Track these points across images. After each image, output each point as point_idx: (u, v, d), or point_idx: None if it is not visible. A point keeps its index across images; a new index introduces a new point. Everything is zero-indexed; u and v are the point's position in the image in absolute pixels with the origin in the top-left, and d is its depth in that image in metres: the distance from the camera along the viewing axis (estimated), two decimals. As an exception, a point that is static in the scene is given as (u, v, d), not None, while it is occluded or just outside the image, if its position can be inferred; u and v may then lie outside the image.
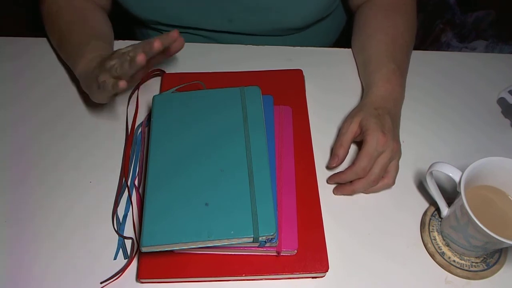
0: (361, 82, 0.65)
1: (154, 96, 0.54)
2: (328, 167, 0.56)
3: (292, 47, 0.70)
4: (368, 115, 0.53)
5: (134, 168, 0.56)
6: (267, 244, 0.45)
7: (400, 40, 0.62)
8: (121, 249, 0.50)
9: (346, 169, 0.52)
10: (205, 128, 0.50)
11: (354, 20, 0.69)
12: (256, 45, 0.69)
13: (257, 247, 0.45)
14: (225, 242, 0.43)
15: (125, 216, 0.52)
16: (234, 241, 0.43)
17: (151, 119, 0.52)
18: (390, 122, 0.53)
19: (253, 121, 0.51)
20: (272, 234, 0.43)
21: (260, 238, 0.43)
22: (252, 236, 0.43)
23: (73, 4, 0.64)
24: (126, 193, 0.54)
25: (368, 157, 0.50)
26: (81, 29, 0.61)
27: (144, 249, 0.42)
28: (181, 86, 0.61)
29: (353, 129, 0.53)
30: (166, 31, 0.72)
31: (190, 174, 0.46)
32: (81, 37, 0.60)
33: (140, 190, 0.54)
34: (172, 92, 0.59)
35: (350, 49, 0.70)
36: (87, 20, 0.63)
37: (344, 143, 0.53)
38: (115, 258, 0.49)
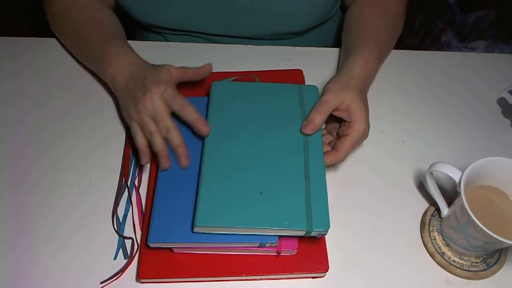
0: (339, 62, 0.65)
1: (212, 83, 0.55)
2: (301, 131, 0.50)
3: (292, 47, 0.70)
4: (356, 97, 0.50)
5: (134, 168, 0.56)
6: (281, 249, 0.45)
7: (382, 28, 0.61)
8: (121, 249, 0.50)
9: (333, 152, 0.50)
10: (263, 120, 0.51)
11: (344, 21, 0.69)
12: (256, 45, 0.69)
13: (257, 247, 0.45)
14: (277, 232, 0.43)
15: (125, 216, 0.52)
16: (285, 232, 0.43)
17: (209, 105, 0.52)
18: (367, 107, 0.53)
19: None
20: (325, 230, 0.43)
21: (312, 233, 0.43)
22: (306, 229, 0.43)
23: (80, 3, 0.63)
24: (126, 193, 0.54)
25: (354, 144, 0.50)
26: (96, 31, 0.60)
27: (196, 229, 0.43)
28: (235, 78, 0.61)
29: (337, 102, 0.50)
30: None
31: (246, 163, 0.47)
32: (97, 38, 0.59)
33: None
34: (231, 81, 0.58)
35: (350, 49, 0.70)
36: (101, 20, 0.63)
37: (324, 112, 0.50)
38: (115, 258, 0.49)
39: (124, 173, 0.55)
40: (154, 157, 0.54)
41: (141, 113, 0.50)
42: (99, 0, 0.65)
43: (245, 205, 0.44)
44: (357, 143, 0.50)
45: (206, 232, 0.44)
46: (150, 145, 0.50)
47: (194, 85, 0.58)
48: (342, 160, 0.49)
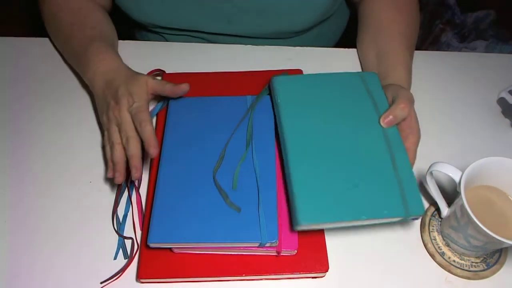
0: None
1: (273, 77, 0.54)
2: (381, 122, 0.50)
3: (292, 47, 0.70)
4: (415, 112, 0.52)
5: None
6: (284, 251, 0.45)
7: (409, 35, 0.62)
8: (121, 249, 0.50)
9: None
10: (337, 111, 0.51)
11: (359, 16, 0.69)
12: (256, 45, 0.69)
13: (257, 247, 0.45)
14: (376, 222, 0.44)
15: (125, 216, 0.52)
16: (384, 220, 0.44)
17: (276, 99, 0.52)
18: None
19: (381, 105, 0.51)
20: (420, 214, 0.44)
21: (409, 218, 0.44)
22: (404, 216, 0.44)
23: (72, 4, 0.64)
24: (126, 193, 0.54)
25: (415, 153, 0.51)
26: (81, 32, 0.61)
27: (299, 227, 0.43)
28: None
29: (413, 104, 0.51)
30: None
31: (332, 156, 0.47)
32: (81, 41, 0.60)
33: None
34: (289, 75, 0.58)
35: (350, 49, 0.70)
36: (86, 21, 0.63)
37: (410, 108, 0.50)
38: (115, 258, 0.49)
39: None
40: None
41: (111, 122, 0.51)
42: (93, 1, 0.65)
43: (344, 198, 0.44)
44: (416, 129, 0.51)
45: (306, 229, 0.44)
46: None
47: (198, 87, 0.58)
48: (414, 127, 0.51)
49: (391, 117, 0.49)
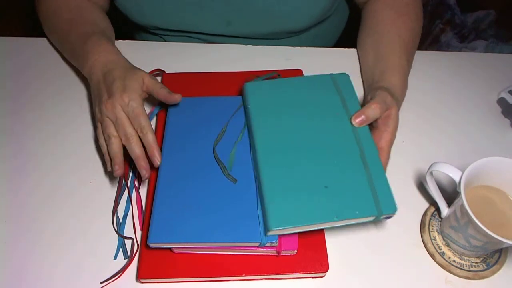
0: (362, 76, 0.65)
1: (246, 84, 0.54)
2: (352, 121, 0.50)
3: (291, 47, 0.70)
4: (397, 111, 0.52)
5: (134, 168, 0.56)
6: (278, 248, 0.45)
7: (410, 39, 0.62)
8: (121, 249, 0.50)
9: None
10: (307, 114, 0.51)
11: (362, 17, 0.69)
12: (256, 45, 0.69)
13: (257, 247, 0.45)
14: (348, 222, 0.44)
15: (125, 216, 0.52)
16: (357, 221, 0.44)
17: (248, 106, 0.52)
18: None
19: (352, 106, 0.51)
20: (393, 212, 0.44)
21: (382, 217, 0.44)
22: (376, 215, 0.43)
23: (70, 3, 0.64)
24: (126, 194, 0.54)
25: (389, 156, 0.50)
26: (79, 27, 0.61)
27: (271, 232, 0.43)
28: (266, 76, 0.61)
29: (390, 106, 0.51)
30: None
31: (302, 158, 0.47)
32: (79, 36, 0.60)
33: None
34: (262, 80, 0.58)
35: (349, 49, 0.70)
36: (84, 18, 0.63)
37: (381, 109, 0.50)
38: (115, 258, 0.49)
39: (124, 173, 0.55)
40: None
41: (103, 115, 0.50)
42: (90, 1, 0.66)
43: (314, 201, 0.44)
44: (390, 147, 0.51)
45: (278, 233, 0.43)
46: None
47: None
48: (388, 153, 0.50)
49: (362, 116, 0.49)
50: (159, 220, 0.45)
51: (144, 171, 0.48)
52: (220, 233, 0.44)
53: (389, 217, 0.45)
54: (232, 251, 0.47)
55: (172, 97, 0.51)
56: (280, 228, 0.42)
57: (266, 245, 0.45)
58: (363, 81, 0.65)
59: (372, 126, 0.51)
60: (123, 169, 0.49)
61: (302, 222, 0.42)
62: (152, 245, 0.44)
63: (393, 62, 0.59)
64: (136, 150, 0.49)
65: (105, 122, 0.50)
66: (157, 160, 0.48)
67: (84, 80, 0.65)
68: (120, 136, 0.50)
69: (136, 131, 0.49)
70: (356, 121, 0.49)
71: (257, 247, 0.45)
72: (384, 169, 0.48)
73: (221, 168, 0.49)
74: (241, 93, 0.56)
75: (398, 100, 0.55)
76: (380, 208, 0.44)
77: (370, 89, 0.56)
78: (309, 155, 0.47)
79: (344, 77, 0.55)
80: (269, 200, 0.44)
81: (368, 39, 0.65)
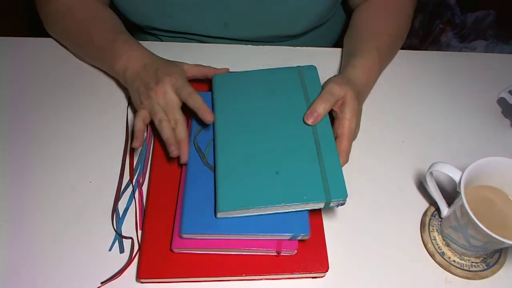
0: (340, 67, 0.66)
1: (213, 76, 0.57)
2: (304, 120, 0.50)
3: (291, 47, 0.70)
4: (354, 95, 0.51)
5: (136, 167, 0.56)
6: (298, 237, 0.46)
7: (385, 36, 0.62)
8: (117, 242, 0.50)
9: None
10: (268, 104, 0.53)
11: (350, 20, 0.69)
12: (255, 45, 0.69)
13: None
14: (298, 208, 0.45)
15: (125, 210, 0.52)
16: (307, 207, 0.45)
17: (213, 97, 0.54)
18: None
19: (313, 97, 0.52)
20: (343, 199, 0.45)
21: (331, 203, 0.45)
22: (325, 201, 0.44)
23: (83, 1, 0.63)
24: (126, 193, 0.54)
25: (350, 142, 0.50)
26: (100, 26, 0.61)
27: (219, 215, 0.44)
28: None
29: (340, 94, 0.50)
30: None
31: (257, 146, 0.49)
32: (104, 34, 0.60)
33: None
34: (230, 72, 0.60)
35: (350, 49, 0.70)
36: (102, 16, 0.63)
37: (329, 102, 0.50)
38: (110, 250, 0.49)
39: (130, 171, 0.55)
40: (153, 157, 0.55)
41: (152, 101, 0.52)
42: (99, 0, 0.65)
43: (264, 185, 0.45)
44: (352, 140, 0.51)
45: (229, 216, 0.45)
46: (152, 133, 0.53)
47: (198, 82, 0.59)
48: (347, 161, 0.50)
49: (314, 114, 0.50)
50: (190, 211, 0.46)
51: (184, 155, 0.50)
52: (252, 225, 0.45)
53: (340, 204, 0.45)
54: (233, 251, 0.47)
55: (219, 70, 0.57)
56: (228, 210, 0.44)
57: (298, 238, 0.45)
58: None
59: (332, 116, 0.52)
60: (179, 150, 0.50)
61: (249, 205, 0.44)
62: (185, 235, 0.45)
63: (360, 50, 0.59)
64: (182, 134, 0.51)
65: (154, 107, 0.52)
66: (209, 116, 0.49)
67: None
68: (170, 120, 0.51)
69: (183, 117, 0.52)
70: (310, 121, 0.50)
71: (289, 239, 0.46)
72: (344, 156, 0.49)
73: (200, 156, 0.51)
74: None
75: (357, 84, 0.54)
76: (329, 194, 0.44)
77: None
78: (265, 143, 0.49)
79: (311, 69, 0.56)
80: (220, 184, 0.46)
81: (347, 35, 0.66)
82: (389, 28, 0.63)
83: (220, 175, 0.47)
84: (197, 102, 0.50)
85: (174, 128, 0.51)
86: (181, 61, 0.58)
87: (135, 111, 0.58)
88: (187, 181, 0.49)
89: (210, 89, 0.57)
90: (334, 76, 0.54)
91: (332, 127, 0.51)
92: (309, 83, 0.54)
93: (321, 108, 0.50)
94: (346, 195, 0.45)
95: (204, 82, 0.60)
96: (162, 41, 0.74)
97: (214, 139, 0.51)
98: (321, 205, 0.45)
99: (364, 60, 0.58)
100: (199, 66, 0.57)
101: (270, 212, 0.45)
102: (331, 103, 0.50)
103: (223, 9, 0.64)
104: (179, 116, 0.52)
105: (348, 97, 0.50)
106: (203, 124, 0.54)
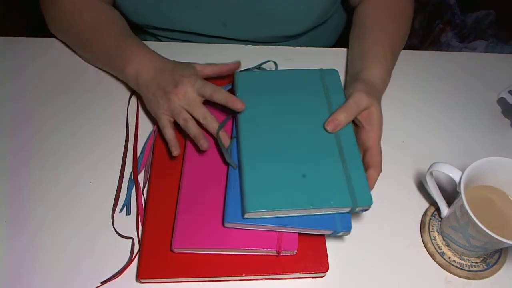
0: (346, 68, 0.66)
1: (236, 73, 0.56)
2: (324, 127, 0.50)
3: (291, 47, 0.70)
4: (379, 106, 0.52)
5: (136, 167, 0.56)
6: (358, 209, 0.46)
7: (396, 37, 0.63)
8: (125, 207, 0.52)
9: (371, 171, 0.49)
10: (290, 105, 0.53)
11: (353, 16, 0.69)
12: (255, 45, 0.69)
13: (258, 247, 0.45)
14: (324, 211, 0.46)
15: (125, 210, 0.52)
16: (332, 211, 0.46)
17: (236, 95, 0.53)
18: None
19: (336, 101, 0.52)
20: (368, 205, 0.45)
21: (357, 209, 0.45)
22: (351, 206, 0.45)
23: (91, 3, 0.63)
24: (125, 193, 0.54)
25: (380, 151, 0.50)
26: (109, 29, 0.61)
27: (247, 215, 0.44)
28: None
29: (366, 105, 0.50)
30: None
31: (281, 146, 0.49)
32: (112, 37, 0.60)
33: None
34: (253, 70, 0.61)
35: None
36: (110, 19, 0.63)
37: (353, 112, 0.50)
38: (120, 211, 0.51)
39: (133, 169, 0.55)
40: (153, 157, 0.54)
41: (174, 103, 0.52)
42: (104, 1, 0.65)
43: (291, 187, 0.45)
44: (379, 149, 0.51)
45: (256, 217, 0.45)
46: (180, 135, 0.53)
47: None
48: (381, 170, 0.50)
49: (335, 121, 0.50)
50: (234, 201, 0.46)
51: (226, 139, 0.51)
52: (298, 218, 0.45)
53: (365, 210, 0.46)
54: (233, 251, 0.47)
55: (233, 65, 0.57)
56: (256, 211, 0.44)
57: (339, 234, 0.46)
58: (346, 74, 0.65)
59: (356, 124, 0.52)
60: (208, 142, 0.51)
61: (277, 206, 0.44)
62: (227, 224, 0.46)
63: (377, 54, 0.59)
64: (213, 124, 0.51)
65: (177, 109, 0.52)
66: (240, 105, 0.50)
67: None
68: (197, 117, 0.52)
69: (208, 110, 0.52)
70: (329, 128, 0.50)
71: (258, 247, 0.45)
72: (378, 168, 0.49)
73: (225, 154, 0.50)
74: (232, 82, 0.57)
75: (378, 91, 0.55)
76: (355, 200, 0.45)
77: (352, 80, 0.57)
78: (289, 144, 0.49)
79: (333, 73, 0.56)
80: (247, 184, 0.45)
81: (355, 34, 0.66)
82: (396, 27, 0.63)
83: (246, 174, 0.46)
84: (224, 95, 0.50)
85: (204, 123, 0.51)
86: (181, 61, 0.58)
87: (150, 117, 0.59)
88: (244, 161, 0.48)
89: (232, 86, 0.57)
90: (358, 82, 0.54)
91: (356, 134, 0.51)
92: (331, 87, 0.54)
93: (343, 117, 0.50)
94: (371, 202, 0.45)
95: (215, 79, 0.59)
96: (162, 41, 0.74)
97: (237, 137, 0.50)
98: (346, 210, 0.46)
99: (381, 63, 0.58)
100: (212, 65, 0.57)
101: (295, 215, 0.45)
102: (354, 114, 0.50)
103: (222, 9, 0.64)
104: (205, 110, 0.52)
105: (374, 108, 0.51)
106: (224, 121, 0.53)
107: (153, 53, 0.58)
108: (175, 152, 0.51)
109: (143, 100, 0.57)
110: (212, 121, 0.51)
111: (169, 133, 0.52)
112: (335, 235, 0.47)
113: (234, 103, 0.50)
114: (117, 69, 0.60)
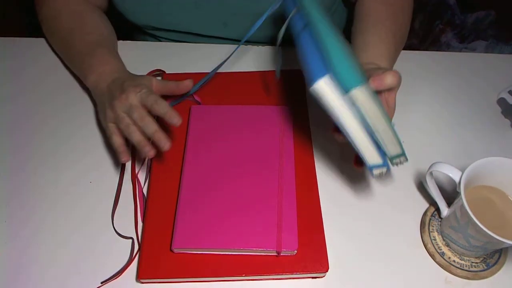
0: None
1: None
2: (370, 82, 0.47)
3: (291, 47, 0.70)
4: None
5: (136, 167, 0.56)
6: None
7: (398, 33, 0.62)
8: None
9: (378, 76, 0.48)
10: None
11: (355, 10, 0.69)
12: (255, 45, 0.69)
13: (258, 247, 0.45)
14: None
15: (125, 210, 0.52)
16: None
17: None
18: None
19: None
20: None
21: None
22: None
23: (70, 8, 0.63)
24: (126, 193, 0.54)
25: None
26: (81, 38, 0.61)
27: (353, 92, 0.40)
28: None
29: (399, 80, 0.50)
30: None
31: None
32: (83, 45, 0.60)
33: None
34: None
35: (350, 49, 0.70)
36: (86, 26, 0.63)
37: (398, 78, 0.49)
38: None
39: (132, 171, 0.55)
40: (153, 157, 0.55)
41: (116, 109, 0.50)
42: (91, 2, 0.65)
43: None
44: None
45: (362, 94, 0.41)
46: (127, 142, 0.51)
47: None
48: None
49: (377, 76, 0.47)
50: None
51: (163, 142, 0.48)
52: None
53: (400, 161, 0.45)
54: (233, 251, 0.47)
55: (182, 84, 0.54)
56: (359, 86, 0.40)
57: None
58: None
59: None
60: (154, 150, 0.49)
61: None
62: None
63: (381, 49, 0.59)
64: (152, 126, 0.49)
65: (119, 115, 0.50)
66: (177, 120, 0.48)
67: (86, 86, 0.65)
68: (136, 121, 0.49)
69: (147, 113, 0.50)
70: (374, 84, 0.47)
71: (257, 247, 0.45)
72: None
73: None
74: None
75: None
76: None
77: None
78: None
79: None
80: (340, 63, 0.42)
81: (357, 28, 0.65)
82: (397, 20, 0.63)
83: (334, 56, 0.42)
84: (164, 108, 0.48)
85: (141, 126, 0.49)
86: (180, 61, 0.58)
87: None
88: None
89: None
90: (368, 69, 0.53)
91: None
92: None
93: (389, 80, 0.48)
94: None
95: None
96: (162, 41, 0.74)
97: (315, 33, 0.46)
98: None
99: (386, 59, 0.58)
100: (164, 82, 0.54)
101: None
102: (398, 81, 0.49)
103: (222, 9, 0.64)
104: (144, 112, 0.49)
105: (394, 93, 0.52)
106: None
107: (117, 65, 0.57)
108: (123, 159, 0.50)
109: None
110: (149, 122, 0.49)
111: (116, 140, 0.51)
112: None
113: (171, 117, 0.48)
114: (83, 78, 0.60)
